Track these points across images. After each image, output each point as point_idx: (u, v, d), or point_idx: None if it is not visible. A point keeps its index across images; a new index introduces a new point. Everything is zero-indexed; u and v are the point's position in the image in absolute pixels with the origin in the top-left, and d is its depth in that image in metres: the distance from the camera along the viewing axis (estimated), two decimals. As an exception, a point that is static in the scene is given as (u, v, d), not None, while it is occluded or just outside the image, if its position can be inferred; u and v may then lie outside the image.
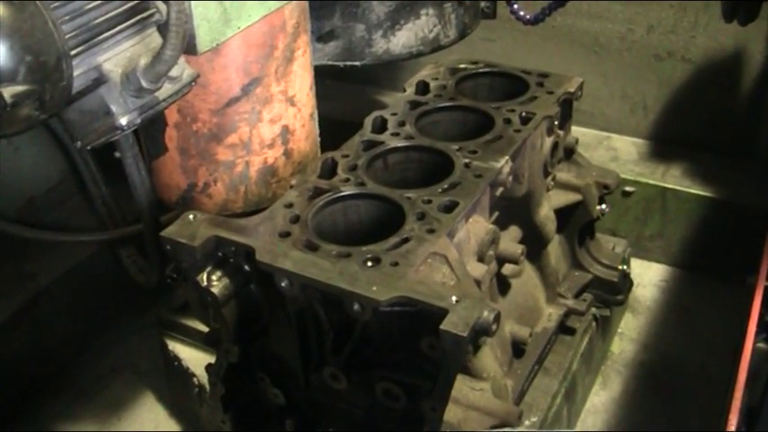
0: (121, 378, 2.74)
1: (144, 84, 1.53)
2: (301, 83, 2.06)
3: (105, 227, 2.58)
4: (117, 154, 1.96)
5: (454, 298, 1.50)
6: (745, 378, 1.66)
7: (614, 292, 2.50)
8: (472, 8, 2.53)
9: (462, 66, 2.38)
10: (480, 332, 1.49)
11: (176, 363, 2.43)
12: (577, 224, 2.39)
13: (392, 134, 2.05)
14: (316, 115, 2.17)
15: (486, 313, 1.48)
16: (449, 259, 1.63)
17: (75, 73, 1.46)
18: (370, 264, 1.62)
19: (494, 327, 1.49)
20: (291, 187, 1.88)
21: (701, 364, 2.61)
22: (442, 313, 1.47)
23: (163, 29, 1.56)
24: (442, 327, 1.45)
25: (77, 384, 2.72)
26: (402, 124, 2.09)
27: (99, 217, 2.58)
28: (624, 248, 2.60)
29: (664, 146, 3.17)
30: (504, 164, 1.91)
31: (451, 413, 1.70)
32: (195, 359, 2.37)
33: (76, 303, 2.74)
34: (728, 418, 1.36)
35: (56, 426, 2.59)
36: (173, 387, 2.56)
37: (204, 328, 2.37)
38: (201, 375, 2.17)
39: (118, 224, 2.57)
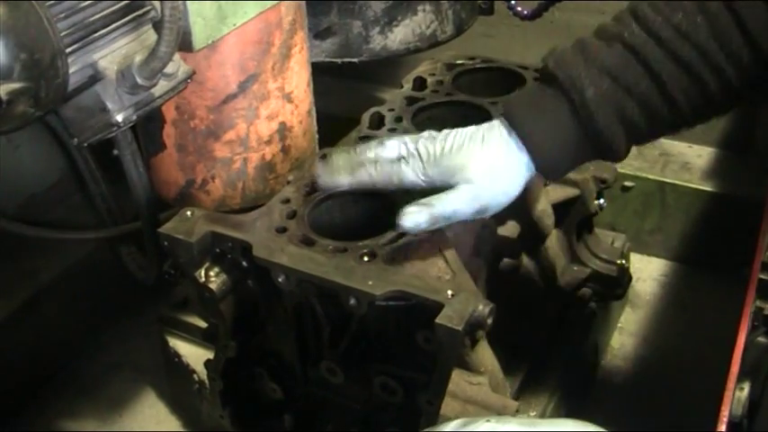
0: (122, 375, 2.75)
1: (139, 80, 1.53)
2: (298, 79, 2.06)
3: (105, 224, 2.59)
4: (115, 151, 1.97)
5: (450, 292, 1.50)
6: (741, 372, 1.66)
7: (613, 286, 2.50)
8: (469, 4, 2.53)
9: (459, 61, 2.38)
10: (475, 326, 1.50)
11: (177, 359, 2.44)
12: (575, 219, 2.39)
13: (389, 130, 2.06)
14: (313, 111, 2.18)
15: (481, 307, 1.49)
16: (444, 253, 1.63)
17: (71, 70, 1.46)
18: (366, 258, 1.62)
19: (489, 321, 1.50)
20: (288, 183, 1.89)
21: (701, 358, 2.61)
22: (438, 307, 1.48)
23: (158, 26, 1.56)
24: (437, 320, 1.46)
25: (78, 382, 2.73)
26: (399, 120, 2.10)
27: (98, 214, 2.59)
28: (623, 243, 2.60)
29: (662, 140, 3.15)
30: (500, 158, 1.91)
31: (449, 407, 1.70)
32: (195, 355, 2.38)
33: (77, 301, 2.74)
34: (720, 408, 1.37)
35: (57, 424, 2.60)
36: (173, 384, 2.57)
37: (204, 325, 2.38)
38: (202, 372, 2.17)
39: (117, 221, 2.57)
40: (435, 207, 1.50)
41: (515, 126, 1.49)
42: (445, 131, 1.54)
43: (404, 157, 1.55)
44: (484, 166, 1.49)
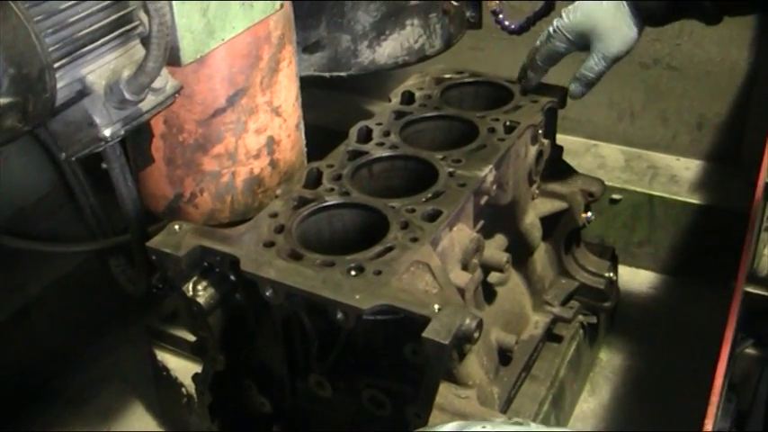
0: (111, 387, 2.74)
1: (127, 95, 1.54)
2: (287, 93, 2.07)
3: (94, 237, 2.58)
4: (104, 165, 1.97)
5: (436, 306, 1.51)
6: (728, 383, 1.67)
7: (601, 299, 2.51)
8: (457, 18, 2.54)
9: (447, 75, 2.39)
10: (463, 339, 1.50)
11: (165, 372, 2.44)
12: (563, 232, 2.40)
13: (377, 144, 2.07)
14: (302, 125, 2.19)
15: (468, 320, 1.49)
16: (432, 267, 1.64)
17: (59, 85, 1.47)
18: (353, 272, 1.63)
19: (476, 334, 1.50)
20: (277, 197, 1.89)
21: (690, 370, 2.61)
22: (425, 321, 1.48)
23: (146, 41, 1.57)
24: (424, 334, 1.46)
25: (67, 394, 2.72)
26: (387, 134, 2.10)
27: (88, 227, 2.59)
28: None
29: (650, 153, 3.19)
30: (487, 172, 1.93)
31: (437, 420, 1.71)
32: (184, 369, 2.38)
33: (66, 313, 2.74)
34: (704, 421, 1.38)
35: (45, 435, 2.59)
36: (162, 396, 2.56)
37: (193, 338, 2.37)
38: (190, 385, 2.18)
39: (107, 234, 2.57)
40: (587, 77, 2.08)
41: None
42: (574, 5, 2.03)
43: (551, 36, 2.07)
44: (606, 24, 1.98)
